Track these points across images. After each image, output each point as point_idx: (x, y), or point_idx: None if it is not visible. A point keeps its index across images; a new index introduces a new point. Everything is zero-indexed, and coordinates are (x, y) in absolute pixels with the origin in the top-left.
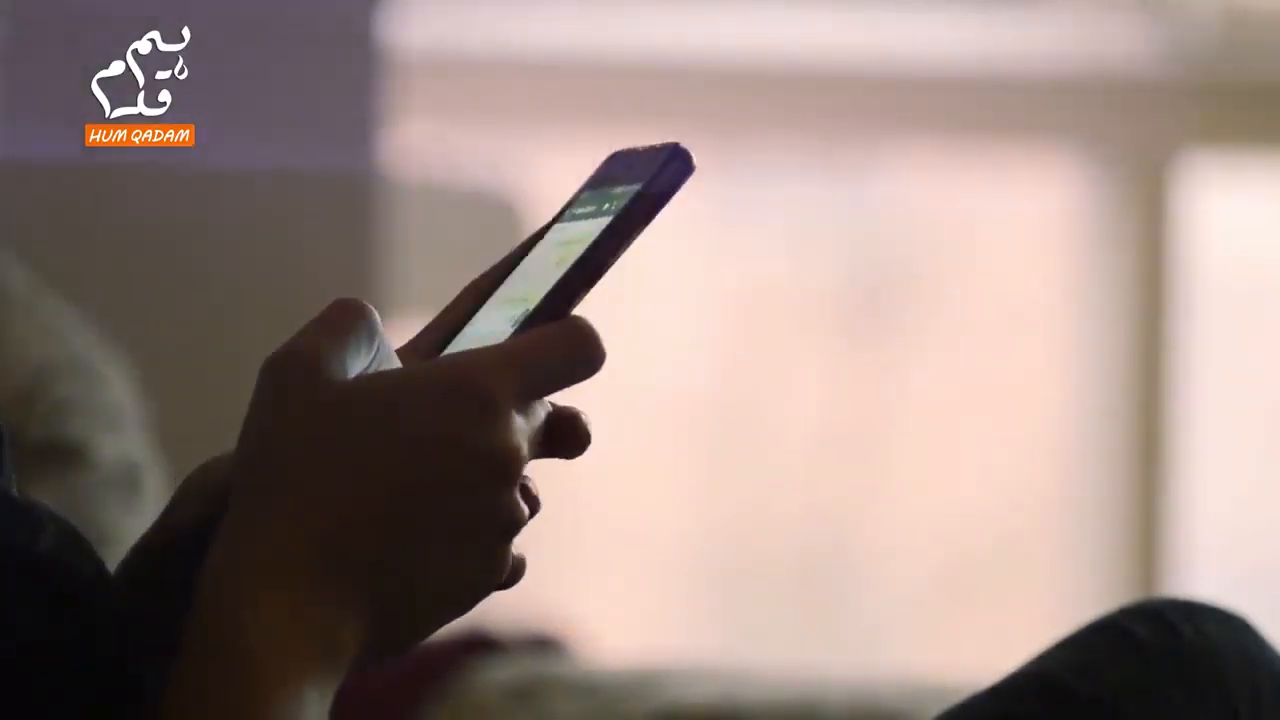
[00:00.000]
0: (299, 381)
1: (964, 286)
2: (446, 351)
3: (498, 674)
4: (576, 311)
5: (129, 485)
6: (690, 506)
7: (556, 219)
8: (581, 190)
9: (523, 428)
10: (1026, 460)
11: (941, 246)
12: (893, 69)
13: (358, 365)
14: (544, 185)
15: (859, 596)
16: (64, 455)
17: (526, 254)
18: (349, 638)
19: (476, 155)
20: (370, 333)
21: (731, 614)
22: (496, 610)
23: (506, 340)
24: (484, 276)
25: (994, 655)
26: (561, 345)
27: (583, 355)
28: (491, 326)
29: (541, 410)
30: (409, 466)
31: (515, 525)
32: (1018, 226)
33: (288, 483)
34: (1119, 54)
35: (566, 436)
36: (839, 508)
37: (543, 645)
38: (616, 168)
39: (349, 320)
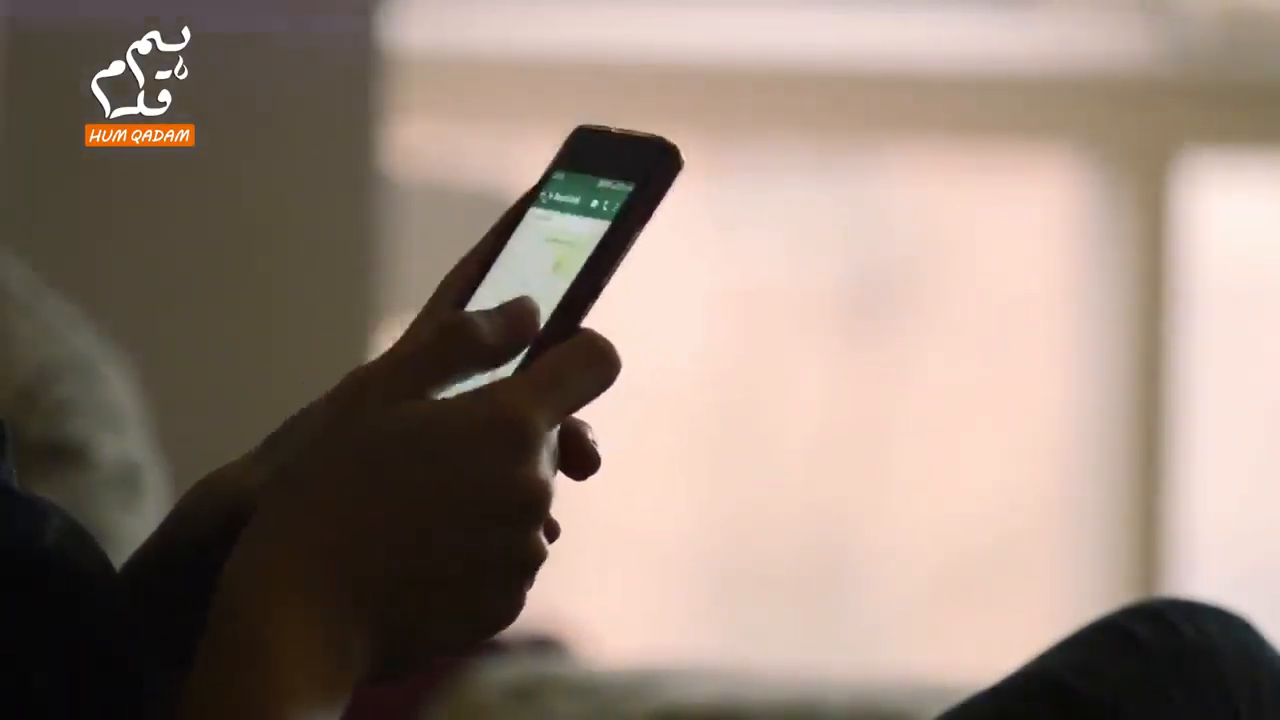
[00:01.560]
0: (359, 404)
1: (964, 286)
2: None
3: (498, 674)
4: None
5: (129, 485)
6: (690, 506)
7: (533, 201)
8: (554, 169)
9: (548, 459)
10: (1026, 460)
11: (941, 246)
12: (893, 69)
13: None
14: None
15: (859, 596)
16: (64, 455)
17: (508, 234)
18: (359, 657)
19: (477, 155)
20: (466, 364)
21: (731, 614)
22: None
23: (531, 370)
24: (468, 261)
25: (994, 655)
26: (582, 365)
27: (602, 372)
28: (494, 299)
29: (553, 432)
30: (440, 496)
31: (536, 563)
32: (1018, 226)
33: (313, 499)
34: (1119, 54)
35: (575, 456)
36: (839, 508)
37: (543, 645)
38: (592, 151)
39: (441, 351)
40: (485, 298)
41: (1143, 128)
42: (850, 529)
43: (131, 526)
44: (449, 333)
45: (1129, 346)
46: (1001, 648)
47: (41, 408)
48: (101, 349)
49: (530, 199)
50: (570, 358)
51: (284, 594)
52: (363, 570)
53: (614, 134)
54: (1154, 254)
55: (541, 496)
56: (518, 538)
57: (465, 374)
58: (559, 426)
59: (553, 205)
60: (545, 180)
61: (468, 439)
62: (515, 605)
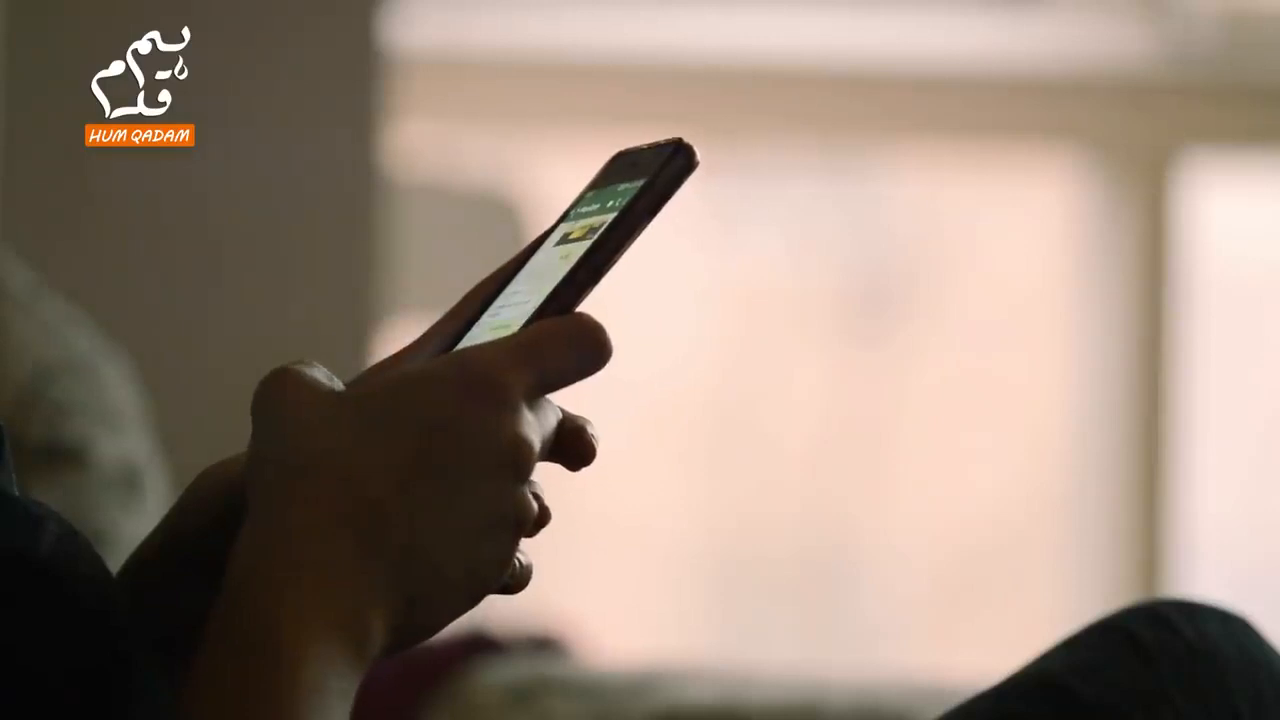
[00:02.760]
0: (303, 383)
1: (964, 286)
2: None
3: (498, 674)
4: (582, 308)
5: (129, 486)
6: (690, 506)
7: (562, 219)
8: (586, 190)
9: (533, 422)
10: (1027, 460)
11: (942, 246)
12: (893, 69)
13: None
14: (544, 185)
15: (859, 596)
16: (64, 456)
17: (532, 255)
18: (377, 627)
19: (477, 155)
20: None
21: (731, 614)
22: (496, 610)
23: (516, 334)
24: (491, 278)
25: (994, 655)
26: (569, 340)
27: (590, 350)
28: (498, 332)
29: (553, 414)
30: (429, 454)
31: (525, 519)
32: (1018, 226)
33: (316, 469)
34: (1119, 54)
35: (573, 447)
36: (839, 508)
37: (543, 645)
38: (620, 167)
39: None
40: (500, 304)
41: (1143, 128)
42: (850, 529)
43: (131, 527)
44: None
45: (1129, 346)
46: (1001, 648)
47: (41, 408)
48: (101, 349)
49: (561, 218)
50: (555, 330)
51: (301, 570)
52: (376, 540)
53: (642, 147)
54: (1154, 254)
55: (522, 451)
56: (504, 492)
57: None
58: (557, 413)
59: (578, 216)
60: (577, 200)
61: (446, 400)
62: (505, 564)
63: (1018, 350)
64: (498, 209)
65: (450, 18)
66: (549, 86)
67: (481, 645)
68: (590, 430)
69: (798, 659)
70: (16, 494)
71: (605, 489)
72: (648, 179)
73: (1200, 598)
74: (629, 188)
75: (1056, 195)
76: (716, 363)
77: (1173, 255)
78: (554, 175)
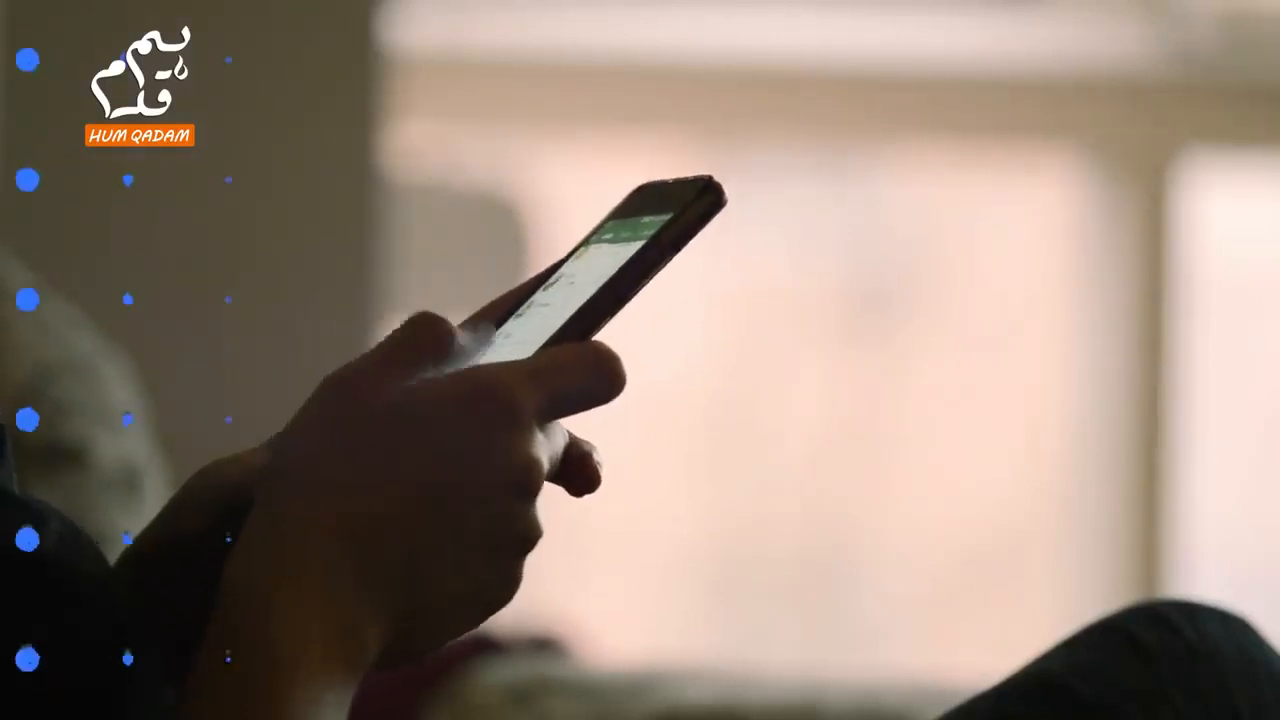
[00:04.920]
0: (349, 401)
1: (964, 286)
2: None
3: (498, 675)
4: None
5: (128, 487)
6: (690, 507)
7: (582, 245)
8: (607, 219)
9: (544, 443)
10: (1027, 460)
11: (942, 247)
12: (893, 69)
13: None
14: (544, 186)
15: (859, 596)
16: (63, 456)
17: (550, 277)
18: (371, 642)
19: (477, 155)
20: (440, 358)
21: (731, 614)
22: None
23: (532, 356)
24: (507, 296)
25: (994, 655)
26: (585, 366)
27: (604, 379)
28: (513, 351)
29: (561, 437)
30: (436, 472)
31: (532, 539)
32: (1018, 226)
33: (319, 483)
34: (1119, 54)
35: (579, 472)
36: (839, 508)
37: (543, 645)
38: (645, 199)
39: (421, 344)
40: (514, 325)
41: (1143, 128)
42: (850, 529)
43: (130, 528)
44: (419, 323)
45: (1129, 346)
46: (1001, 648)
47: (41, 408)
48: (101, 349)
49: (581, 244)
50: (571, 355)
51: (295, 590)
52: (375, 557)
53: (668, 181)
54: (1154, 254)
55: (533, 471)
56: (512, 511)
57: (434, 364)
58: (565, 435)
59: (599, 243)
60: (598, 228)
61: (456, 416)
62: (513, 583)
63: (1018, 350)
64: (498, 209)
65: (450, 18)
66: (549, 86)
67: (481, 645)
68: (596, 457)
69: (798, 659)
70: (17, 491)
71: (605, 489)
72: (675, 213)
73: (1200, 598)
74: (654, 220)
75: (1056, 195)
76: (716, 363)
77: (1172, 255)
78: (553, 175)
